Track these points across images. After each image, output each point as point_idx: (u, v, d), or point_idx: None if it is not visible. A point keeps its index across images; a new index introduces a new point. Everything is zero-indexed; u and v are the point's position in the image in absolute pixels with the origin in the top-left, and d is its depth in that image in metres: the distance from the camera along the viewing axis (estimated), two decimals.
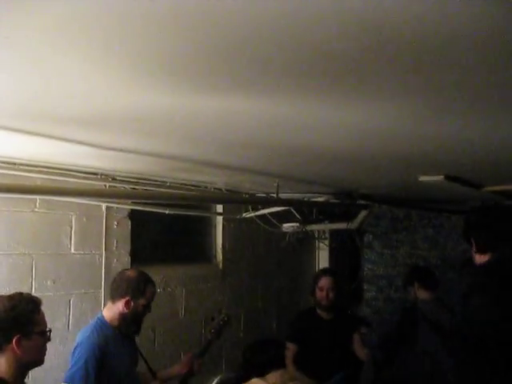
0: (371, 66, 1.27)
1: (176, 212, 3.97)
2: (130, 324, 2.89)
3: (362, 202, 4.65)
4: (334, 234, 5.89)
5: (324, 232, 5.91)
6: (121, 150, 2.51)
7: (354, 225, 5.00)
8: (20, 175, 2.94)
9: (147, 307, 2.93)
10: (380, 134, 2.14)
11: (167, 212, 3.88)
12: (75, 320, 3.46)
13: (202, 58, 1.25)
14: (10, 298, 2.19)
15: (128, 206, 3.76)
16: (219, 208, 4.73)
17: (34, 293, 2.96)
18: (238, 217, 4.71)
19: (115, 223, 3.75)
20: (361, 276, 6.52)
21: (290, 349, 3.99)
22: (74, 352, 2.77)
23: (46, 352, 2.26)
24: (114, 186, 3.44)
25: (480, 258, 2.42)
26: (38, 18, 1.02)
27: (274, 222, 4.82)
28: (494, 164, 2.93)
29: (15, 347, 2.09)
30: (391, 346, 1.97)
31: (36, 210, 3.28)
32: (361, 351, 4.34)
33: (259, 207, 4.62)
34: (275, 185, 3.65)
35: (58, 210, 3.39)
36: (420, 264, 5.85)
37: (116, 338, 2.86)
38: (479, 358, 2.13)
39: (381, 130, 2.04)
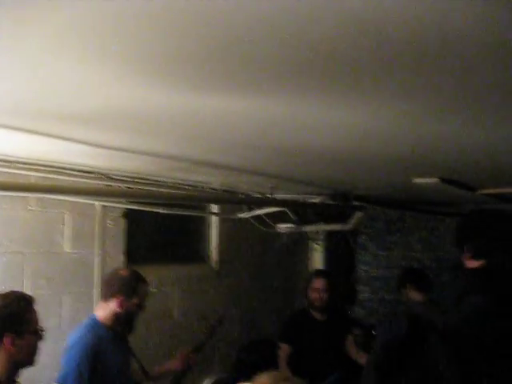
0: (369, 66, 1.26)
1: (171, 212, 3.96)
2: (123, 323, 2.88)
3: (357, 203, 4.65)
4: (329, 235, 5.89)
5: (318, 233, 5.91)
6: (117, 149, 2.50)
7: (348, 226, 5.00)
8: (15, 173, 2.93)
9: (140, 306, 2.92)
10: (376, 135, 2.14)
11: (162, 212, 3.87)
12: (68, 319, 3.44)
13: (198, 58, 1.24)
14: (3, 296, 2.18)
15: (123, 205, 3.75)
16: (214, 208, 4.72)
17: (26, 291, 2.94)
18: (234, 217, 4.70)
19: (110, 222, 3.74)
20: (355, 277, 6.53)
21: (283, 349, 3.98)
22: (66, 352, 2.76)
23: (39, 351, 2.25)
24: (110, 185, 3.43)
25: (472, 264, 2.42)
26: (36, 19, 1.03)
27: (269, 222, 4.82)
28: (488, 167, 2.94)
29: (7, 346, 2.08)
30: (396, 357, 1.95)
31: (30, 208, 3.26)
32: (354, 352, 4.34)
33: (254, 208, 4.62)
34: (270, 185, 3.65)
35: (51, 209, 3.37)
36: (414, 266, 5.86)
37: (109, 337, 2.84)
38: (477, 358, 2.13)
39: (377, 131, 2.04)
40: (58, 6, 0.98)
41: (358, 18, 0.98)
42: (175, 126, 2.03)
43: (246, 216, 4.65)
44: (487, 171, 3.13)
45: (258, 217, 4.68)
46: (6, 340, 2.08)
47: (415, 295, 4.49)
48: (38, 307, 2.28)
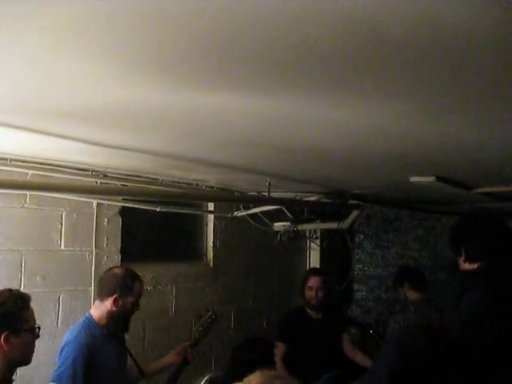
0: (367, 65, 1.27)
1: (167, 210, 3.96)
2: (118, 322, 2.88)
3: (354, 201, 4.66)
4: (325, 233, 5.90)
5: (315, 231, 5.91)
6: (114, 147, 2.50)
7: (345, 225, 5.01)
8: (11, 170, 2.93)
9: (135, 304, 2.92)
10: (373, 134, 2.14)
11: (158, 209, 3.87)
12: (64, 317, 3.44)
13: (195, 56, 1.24)
14: None
15: (119, 203, 3.75)
16: (211, 206, 4.72)
17: (22, 289, 2.93)
18: (230, 215, 4.70)
19: (106, 220, 3.73)
20: (351, 276, 6.53)
21: (279, 347, 3.99)
22: (61, 351, 2.75)
23: (35, 349, 2.25)
24: (106, 183, 3.43)
25: (468, 267, 2.42)
26: (35, 17, 1.03)
27: (266, 220, 4.82)
28: (485, 165, 2.94)
29: (3, 344, 2.07)
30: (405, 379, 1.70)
31: (26, 205, 3.25)
32: (350, 351, 4.35)
33: (251, 206, 4.62)
34: (267, 183, 3.65)
35: (48, 206, 3.37)
36: (410, 265, 5.88)
37: (104, 336, 2.84)
38: (477, 358, 2.13)
39: (374, 129, 2.05)
40: (57, 4, 0.98)
41: (355, 17, 0.98)
42: (172, 124, 2.03)
43: (243, 214, 4.66)
44: (483, 170, 3.14)
45: (254, 215, 4.68)
46: (2, 338, 2.07)
47: (412, 294, 4.50)
48: (35, 305, 2.27)
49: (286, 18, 1.00)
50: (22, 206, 3.24)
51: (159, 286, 4.19)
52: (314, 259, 6.05)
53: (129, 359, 3.08)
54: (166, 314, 4.26)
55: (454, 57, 1.20)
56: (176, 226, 4.52)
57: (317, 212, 5.44)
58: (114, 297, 2.83)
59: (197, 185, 4.07)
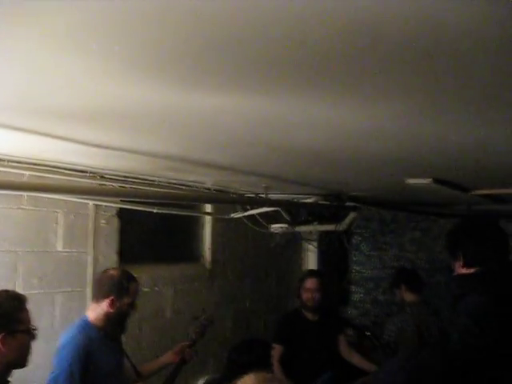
0: (365, 66, 1.26)
1: (164, 211, 3.96)
2: (115, 324, 2.87)
3: (351, 203, 4.66)
4: (323, 235, 5.91)
5: (312, 233, 5.92)
6: (112, 149, 2.49)
7: (342, 227, 5.01)
8: (8, 171, 2.92)
9: (132, 306, 2.91)
10: (372, 136, 2.14)
11: (155, 211, 3.87)
12: (61, 318, 3.43)
13: (192, 57, 1.24)
14: None
15: (116, 205, 3.74)
16: (208, 208, 4.72)
17: (19, 290, 2.93)
18: (227, 217, 4.70)
19: (103, 222, 3.73)
20: (348, 278, 6.54)
21: (276, 349, 3.99)
22: (57, 353, 2.74)
23: (31, 351, 2.24)
24: (103, 184, 3.42)
25: (465, 271, 2.42)
26: (35, 18, 1.03)
27: (263, 222, 4.82)
28: (482, 168, 2.95)
29: (0, 345, 2.07)
30: None
31: (23, 206, 3.25)
32: (347, 353, 4.35)
33: (248, 207, 4.62)
34: (264, 185, 3.65)
35: (45, 208, 3.36)
36: (407, 266, 5.88)
37: (101, 338, 2.83)
38: (477, 358, 2.13)
39: (372, 131, 2.05)
40: (56, 5, 0.98)
41: (354, 16, 0.98)
42: (171, 125, 2.03)
43: (240, 216, 4.66)
44: (480, 172, 3.14)
45: (251, 217, 4.68)
46: None
47: (409, 296, 4.51)
48: (31, 306, 2.26)
49: (286, 18, 1.00)
50: (19, 207, 3.23)
51: (156, 288, 4.18)
52: (311, 261, 6.06)
53: (126, 361, 3.07)
54: (163, 316, 4.26)
55: (454, 57, 1.20)
56: (173, 227, 4.52)
57: (314, 214, 5.45)
58: (111, 298, 2.82)
59: (195, 187, 4.07)
